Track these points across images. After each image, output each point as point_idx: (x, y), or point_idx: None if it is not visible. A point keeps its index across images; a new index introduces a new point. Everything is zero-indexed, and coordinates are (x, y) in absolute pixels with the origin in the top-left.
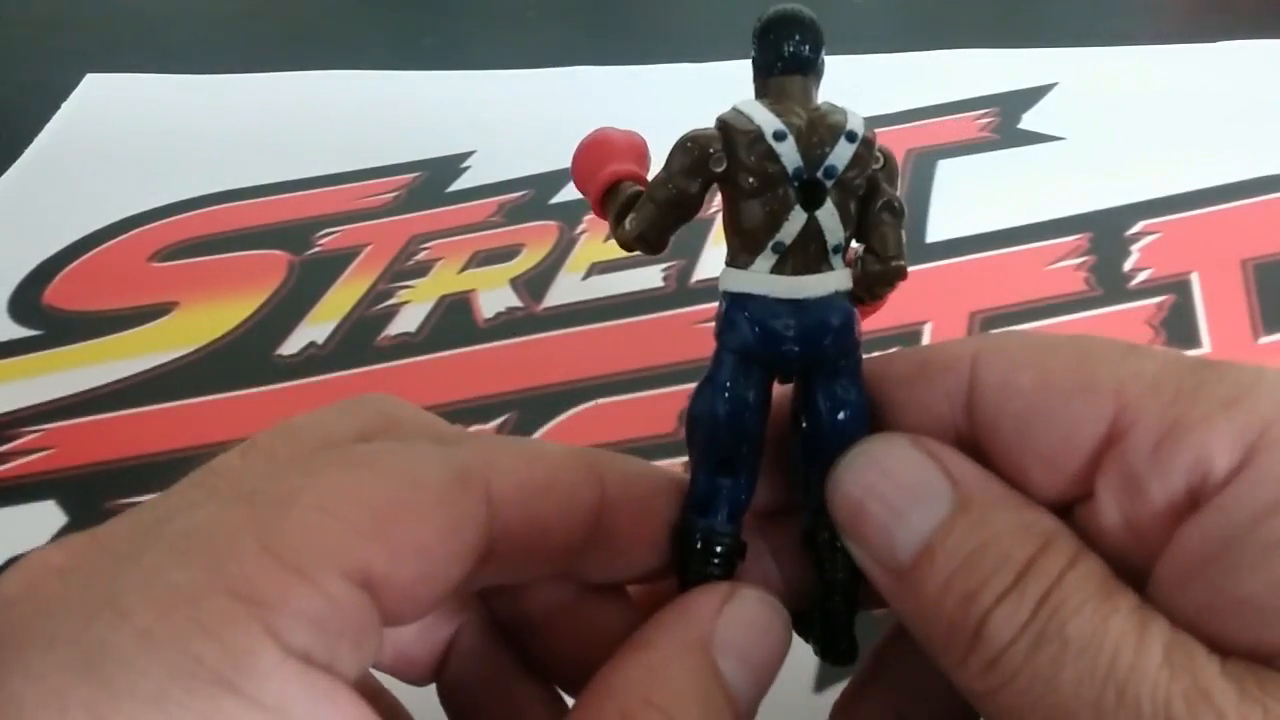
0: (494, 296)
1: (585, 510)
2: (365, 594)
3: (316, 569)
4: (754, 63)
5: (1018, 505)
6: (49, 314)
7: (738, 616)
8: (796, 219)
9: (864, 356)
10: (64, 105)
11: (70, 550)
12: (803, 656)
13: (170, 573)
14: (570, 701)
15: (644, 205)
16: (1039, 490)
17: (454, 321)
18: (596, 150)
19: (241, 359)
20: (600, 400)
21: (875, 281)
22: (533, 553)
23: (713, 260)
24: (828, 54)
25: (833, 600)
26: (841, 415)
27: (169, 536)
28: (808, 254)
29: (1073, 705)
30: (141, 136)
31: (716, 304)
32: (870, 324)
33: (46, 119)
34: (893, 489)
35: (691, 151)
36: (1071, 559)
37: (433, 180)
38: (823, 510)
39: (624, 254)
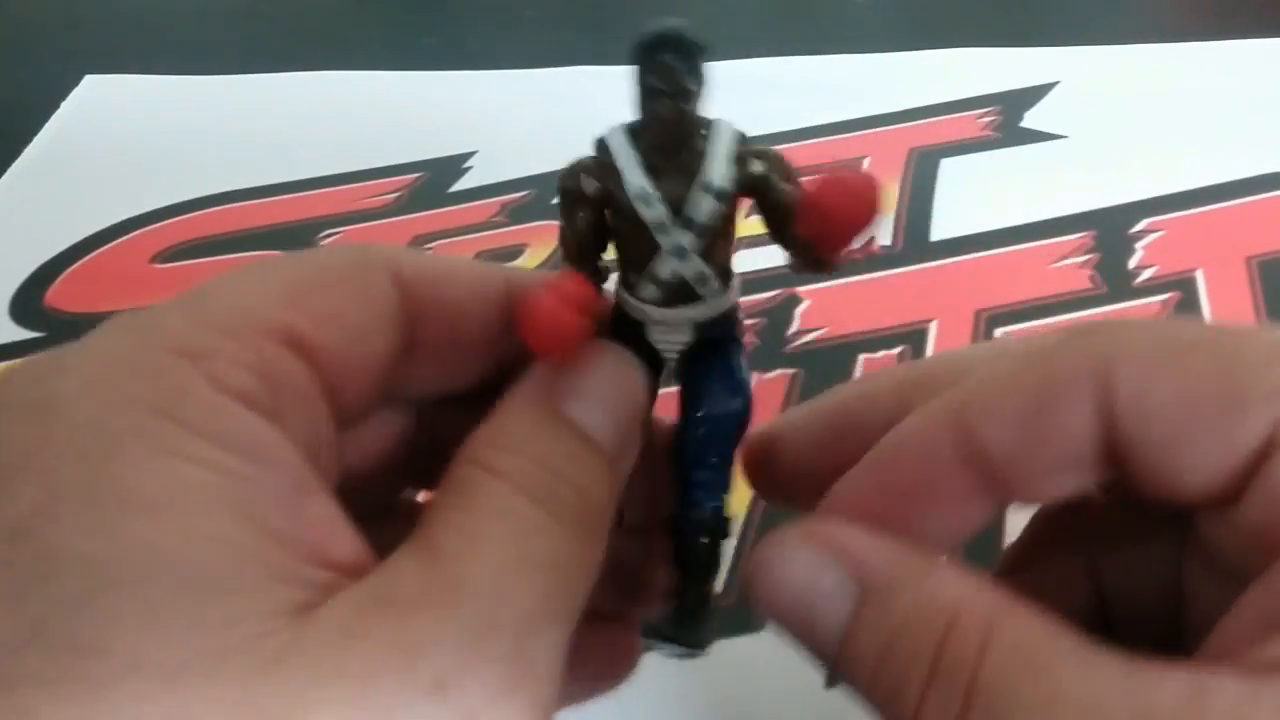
0: None
1: (493, 297)
2: (298, 357)
3: (242, 329)
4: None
5: (918, 578)
6: (51, 316)
7: (581, 365)
8: (666, 262)
9: (951, 411)
10: (63, 106)
11: (35, 354)
12: None
13: (107, 343)
14: None
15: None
16: (1192, 495)
17: None
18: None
19: None
20: None
21: (815, 269)
22: (454, 343)
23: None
24: (830, 53)
25: (688, 587)
26: (700, 412)
27: (107, 324)
28: (677, 289)
29: None
30: (142, 137)
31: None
32: (875, 322)
33: (46, 120)
34: (795, 594)
35: (565, 193)
36: (984, 632)
37: (435, 181)
38: (685, 500)
39: None
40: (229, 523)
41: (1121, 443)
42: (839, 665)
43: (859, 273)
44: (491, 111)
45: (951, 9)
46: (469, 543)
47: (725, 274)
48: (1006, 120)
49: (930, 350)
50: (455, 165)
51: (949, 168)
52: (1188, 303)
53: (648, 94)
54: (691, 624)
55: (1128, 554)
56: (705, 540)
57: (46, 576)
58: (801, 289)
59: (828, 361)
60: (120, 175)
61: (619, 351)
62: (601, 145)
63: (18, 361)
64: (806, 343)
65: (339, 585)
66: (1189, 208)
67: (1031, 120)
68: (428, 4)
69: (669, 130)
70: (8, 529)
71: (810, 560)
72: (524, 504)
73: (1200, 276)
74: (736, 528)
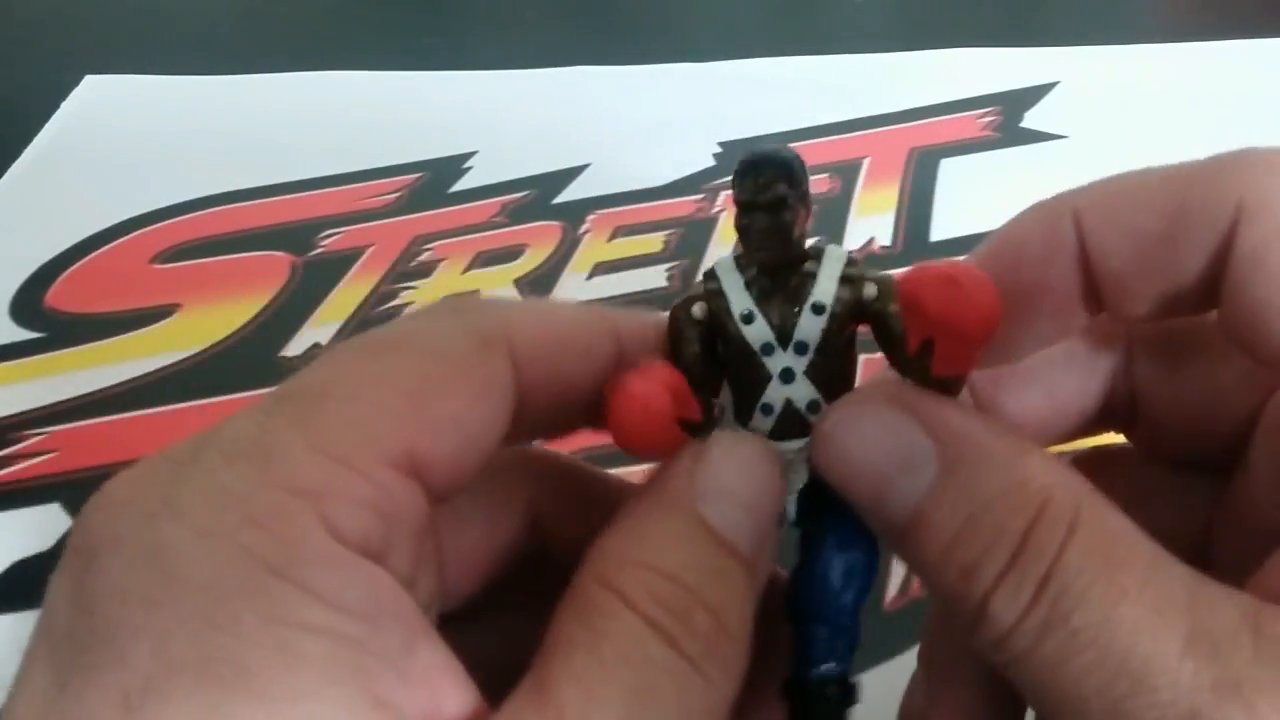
0: (499, 297)
1: (604, 360)
2: (415, 482)
3: (362, 458)
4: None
5: (1009, 459)
6: (51, 316)
7: (714, 462)
8: (776, 389)
9: (1072, 204)
10: (63, 106)
11: (144, 465)
12: None
13: (221, 474)
14: None
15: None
16: (1262, 356)
17: None
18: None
19: (245, 361)
20: None
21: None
22: (559, 407)
23: (717, 258)
24: (831, 53)
25: None
26: (830, 576)
27: (219, 442)
28: (789, 419)
29: (1082, 693)
30: (142, 138)
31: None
32: None
33: (46, 120)
34: (875, 457)
35: (674, 320)
36: (1071, 523)
37: (435, 180)
38: (804, 658)
39: (627, 254)
40: (338, 704)
41: (1231, 299)
42: (904, 535)
43: None
44: (492, 111)
45: (952, 9)
46: (591, 700)
47: None
48: (1007, 120)
49: None
50: (456, 165)
51: (949, 168)
52: None
53: (743, 210)
54: None
55: (1156, 508)
56: (828, 706)
57: None
58: None
59: None
60: (120, 175)
61: (750, 439)
62: (710, 274)
63: (124, 474)
64: None
65: None
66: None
67: (1032, 120)
68: (428, 4)
69: (770, 248)
70: (120, 695)
71: (894, 423)
72: (657, 648)
73: None
74: (859, 696)
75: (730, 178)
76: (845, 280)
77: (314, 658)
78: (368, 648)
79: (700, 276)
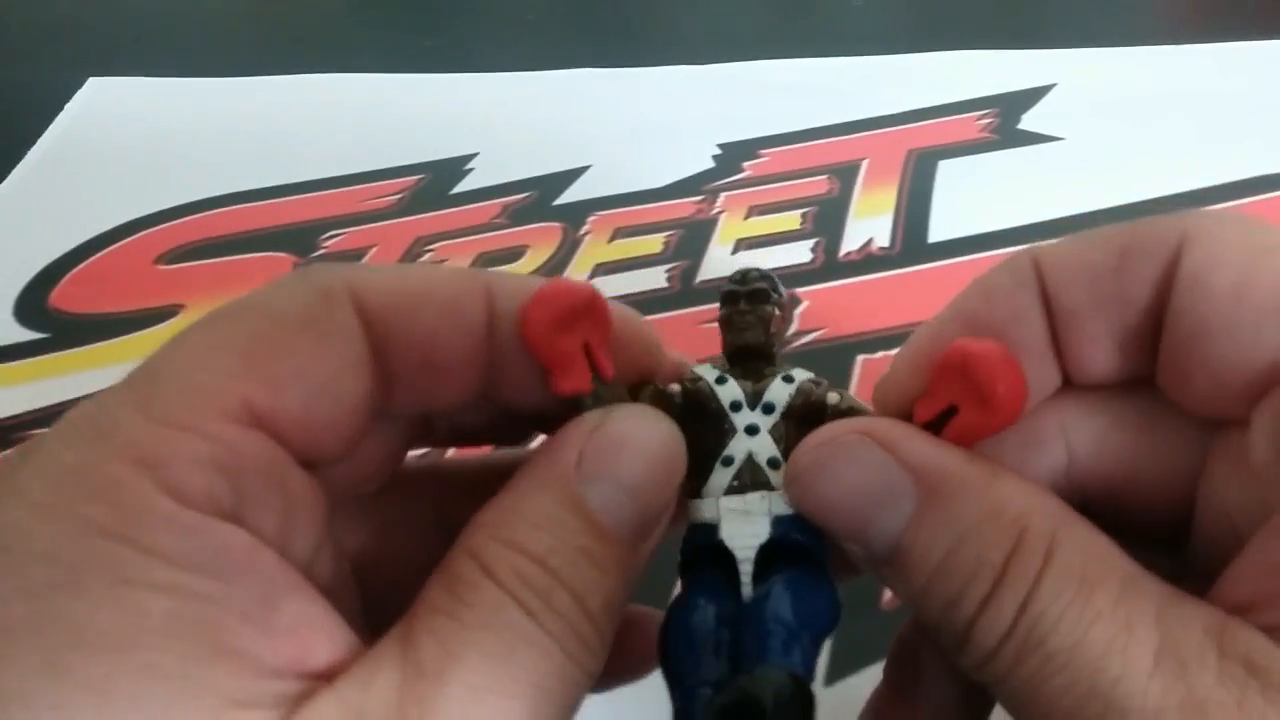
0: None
1: (473, 317)
2: (261, 434)
3: (199, 418)
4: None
5: (984, 485)
6: (55, 317)
7: (605, 439)
8: (740, 441)
9: (1033, 252)
10: (67, 108)
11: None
12: None
13: (59, 454)
14: None
15: None
16: (1194, 401)
17: None
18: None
19: None
20: None
21: None
22: (432, 369)
23: (717, 259)
24: (829, 55)
25: None
26: (781, 609)
27: (59, 427)
28: (749, 473)
29: (1057, 713)
30: (145, 140)
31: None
32: (873, 323)
33: (49, 122)
34: (852, 494)
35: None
36: (1048, 551)
37: (436, 182)
38: (755, 651)
39: (628, 254)
40: (183, 655)
41: (1172, 325)
42: (887, 566)
43: (858, 274)
44: (493, 113)
45: (950, 12)
46: (451, 659)
47: None
48: (1004, 122)
49: None
50: (457, 167)
51: (947, 169)
52: None
53: (728, 300)
54: None
55: (1155, 445)
56: (775, 693)
57: None
58: (800, 290)
59: (826, 362)
60: (124, 177)
61: (649, 413)
62: (690, 371)
63: None
64: (806, 343)
65: (313, 693)
66: (1185, 209)
67: (1029, 122)
68: (429, 7)
69: (750, 331)
70: None
71: (868, 459)
72: (516, 617)
73: None
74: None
75: (729, 177)
76: (813, 383)
77: (156, 612)
78: (218, 602)
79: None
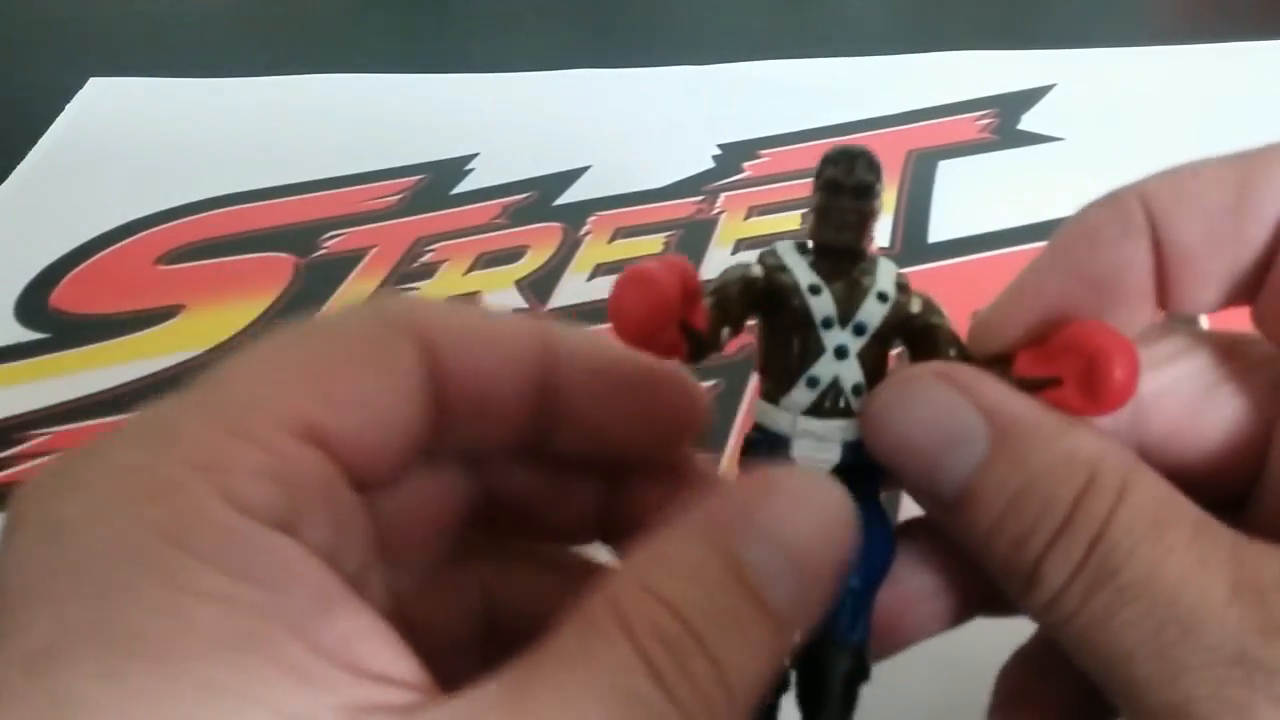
0: (500, 298)
1: (529, 366)
2: (318, 451)
3: (261, 430)
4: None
5: (1057, 433)
6: (56, 317)
7: (776, 498)
8: (828, 363)
9: (1139, 191)
10: (68, 108)
11: (61, 454)
12: None
13: (122, 454)
14: None
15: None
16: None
17: None
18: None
19: None
20: None
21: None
22: (486, 408)
23: (716, 260)
24: (829, 55)
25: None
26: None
27: (125, 428)
28: (832, 398)
29: (1130, 644)
30: (146, 140)
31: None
32: None
33: (51, 122)
34: (925, 434)
35: (729, 271)
36: (1120, 491)
37: (437, 182)
38: (823, 626)
39: (628, 254)
40: (237, 668)
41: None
42: (953, 510)
43: None
44: (493, 114)
45: (949, 12)
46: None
47: None
48: (1004, 123)
49: None
50: (457, 167)
51: (947, 170)
52: None
53: (830, 190)
54: None
55: (1227, 397)
56: (843, 676)
57: None
58: None
59: None
60: (125, 177)
61: (829, 484)
62: (770, 252)
63: (44, 466)
64: None
65: (380, 702)
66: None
67: (1029, 123)
68: (429, 7)
69: (848, 231)
70: (21, 660)
71: (944, 399)
72: (645, 686)
73: None
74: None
75: (729, 177)
76: (900, 287)
77: (208, 622)
78: (269, 613)
79: (757, 257)
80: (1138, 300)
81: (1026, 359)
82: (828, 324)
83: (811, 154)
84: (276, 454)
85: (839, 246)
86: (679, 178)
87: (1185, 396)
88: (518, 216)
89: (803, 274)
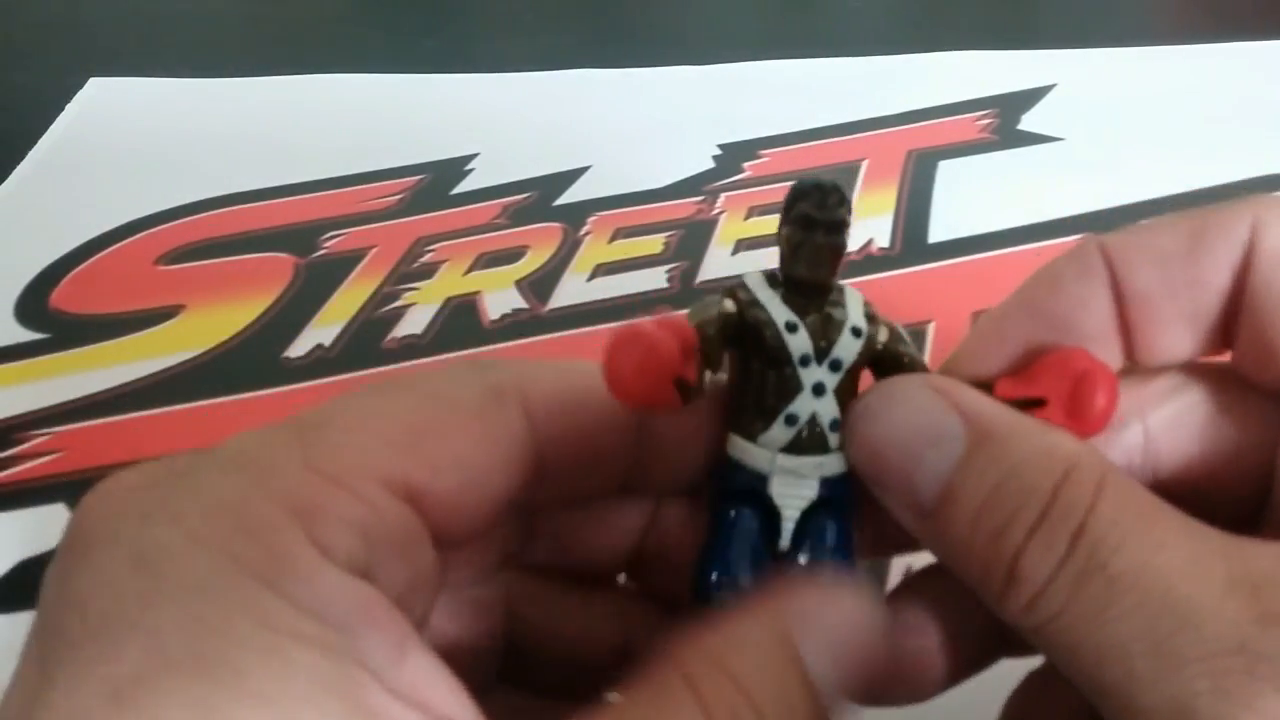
0: (500, 298)
1: (623, 419)
2: (407, 506)
3: (356, 479)
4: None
5: (1035, 431)
6: (56, 317)
7: (830, 607)
8: (806, 401)
9: (1099, 240)
10: (68, 109)
11: (143, 470)
12: None
13: (217, 484)
14: None
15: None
16: (1277, 380)
17: (460, 323)
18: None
19: (249, 361)
20: None
21: None
22: (582, 464)
23: (716, 260)
24: (829, 55)
25: None
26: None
27: (219, 455)
28: (809, 435)
29: (1124, 639)
30: (146, 140)
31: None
32: None
33: (51, 123)
34: (906, 433)
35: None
36: (1099, 483)
37: (437, 183)
38: None
39: (628, 255)
40: (328, 713)
41: (1254, 306)
42: (933, 514)
43: (857, 274)
44: (493, 114)
45: (949, 12)
46: None
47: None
48: (1004, 123)
49: (928, 352)
50: (457, 167)
51: (947, 170)
52: None
53: (804, 225)
54: None
55: (1232, 424)
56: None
57: None
58: None
59: None
60: (125, 177)
61: (868, 600)
62: (741, 285)
63: (122, 475)
64: None
65: None
66: (1186, 209)
67: (1029, 123)
68: (430, 7)
69: (820, 266)
70: (111, 688)
71: (923, 403)
72: None
73: None
74: None
75: (729, 177)
76: (869, 318)
77: (304, 665)
78: (354, 658)
79: (726, 290)
80: (1100, 342)
81: (1007, 384)
82: (805, 361)
83: (812, 154)
84: (367, 505)
85: (813, 282)
86: (679, 178)
87: (1192, 427)
88: (518, 217)
89: (777, 310)
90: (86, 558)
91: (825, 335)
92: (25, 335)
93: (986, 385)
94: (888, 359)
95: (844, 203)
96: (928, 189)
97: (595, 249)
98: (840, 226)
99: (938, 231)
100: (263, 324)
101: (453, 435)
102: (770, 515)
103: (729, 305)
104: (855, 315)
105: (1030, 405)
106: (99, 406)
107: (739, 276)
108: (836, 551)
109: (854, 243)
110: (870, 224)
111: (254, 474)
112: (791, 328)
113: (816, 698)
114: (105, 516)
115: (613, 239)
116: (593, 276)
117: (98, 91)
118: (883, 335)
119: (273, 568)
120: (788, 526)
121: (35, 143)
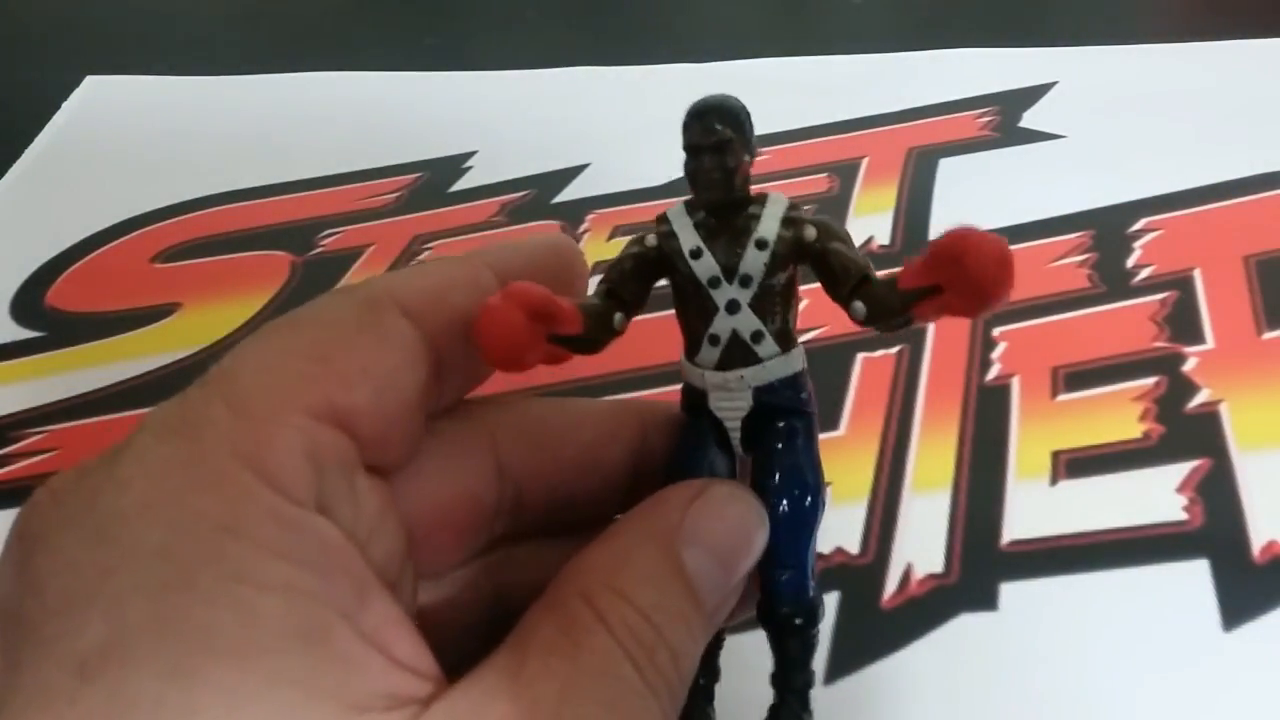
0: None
1: (490, 292)
2: (338, 430)
3: (285, 414)
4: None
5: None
6: (52, 315)
7: (705, 508)
8: (722, 320)
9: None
10: (64, 106)
11: (77, 466)
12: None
13: (157, 450)
14: None
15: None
16: None
17: None
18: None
19: None
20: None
21: (882, 317)
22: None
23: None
24: (829, 53)
25: (787, 673)
26: (779, 533)
27: (147, 427)
28: (733, 349)
29: None
30: (143, 138)
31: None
32: None
33: (47, 120)
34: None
35: (627, 246)
36: None
37: (434, 180)
38: (771, 594)
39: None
40: (302, 658)
41: None
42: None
43: None
44: (491, 112)
45: (949, 10)
46: (567, 703)
47: (784, 338)
48: (1005, 120)
49: (928, 351)
50: (455, 165)
51: (948, 168)
52: (1185, 302)
53: (691, 154)
54: (797, 707)
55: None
56: (798, 629)
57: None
58: (801, 288)
59: (827, 360)
60: (121, 175)
61: (745, 496)
62: (661, 218)
63: (63, 472)
64: (806, 341)
65: (409, 693)
66: (1187, 207)
67: (1030, 120)
68: (428, 5)
69: (715, 188)
70: (76, 662)
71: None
72: (628, 671)
73: (1198, 275)
74: (824, 612)
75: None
76: (788, 222)
77: (272, 614)
78: (322, 601)
79: (655, 220)
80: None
81: (908, 275)
82: (714, 283)
83: (812, 152)
84: (306, 435)
85: (716, 203)
86: (678, 175)
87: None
88: (516, 214)
89: (687, 238)
90: (41, 543)
91: (730, 253)
92: (21, 333)
93: (893, 279)
94: (817, 257)
95: (727, 121)
96: (928, 186)
97: (593, 246)
98: (723, 146)
99: (939, 229)
100: (259, 322)
101: (350, 350)
102: (720, 428)
103: (650, 240)
104: (766, 227)
105: (926, 293)
106: (95, 405)
107: (664, 211)
108: (787, 453)
109: (855, 240)
110: (871, 221)
111: (189, 432)
112: (696, 254)
113: (703, 608)
114: (53, 505)
115: (611, 236)
116: (591, 274)
117: (94, 89)
118: (809, 233)
119: (233, 515)
120: (734, 435)
121: (31, 140)
